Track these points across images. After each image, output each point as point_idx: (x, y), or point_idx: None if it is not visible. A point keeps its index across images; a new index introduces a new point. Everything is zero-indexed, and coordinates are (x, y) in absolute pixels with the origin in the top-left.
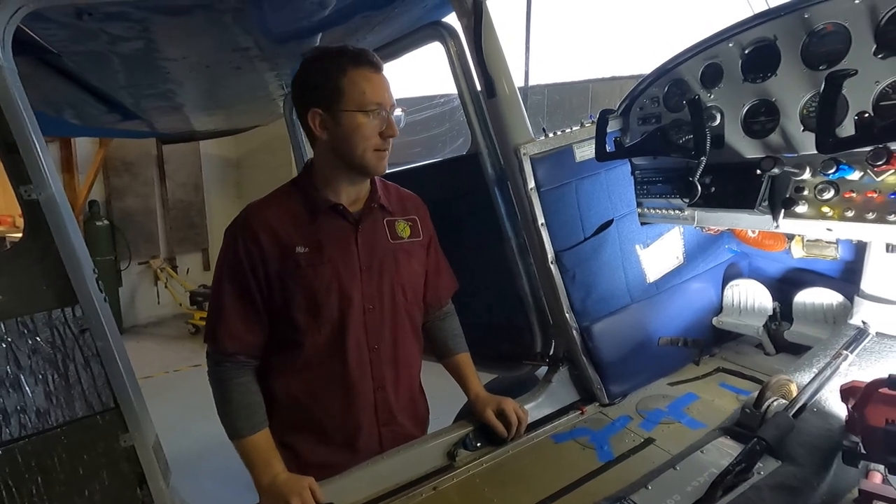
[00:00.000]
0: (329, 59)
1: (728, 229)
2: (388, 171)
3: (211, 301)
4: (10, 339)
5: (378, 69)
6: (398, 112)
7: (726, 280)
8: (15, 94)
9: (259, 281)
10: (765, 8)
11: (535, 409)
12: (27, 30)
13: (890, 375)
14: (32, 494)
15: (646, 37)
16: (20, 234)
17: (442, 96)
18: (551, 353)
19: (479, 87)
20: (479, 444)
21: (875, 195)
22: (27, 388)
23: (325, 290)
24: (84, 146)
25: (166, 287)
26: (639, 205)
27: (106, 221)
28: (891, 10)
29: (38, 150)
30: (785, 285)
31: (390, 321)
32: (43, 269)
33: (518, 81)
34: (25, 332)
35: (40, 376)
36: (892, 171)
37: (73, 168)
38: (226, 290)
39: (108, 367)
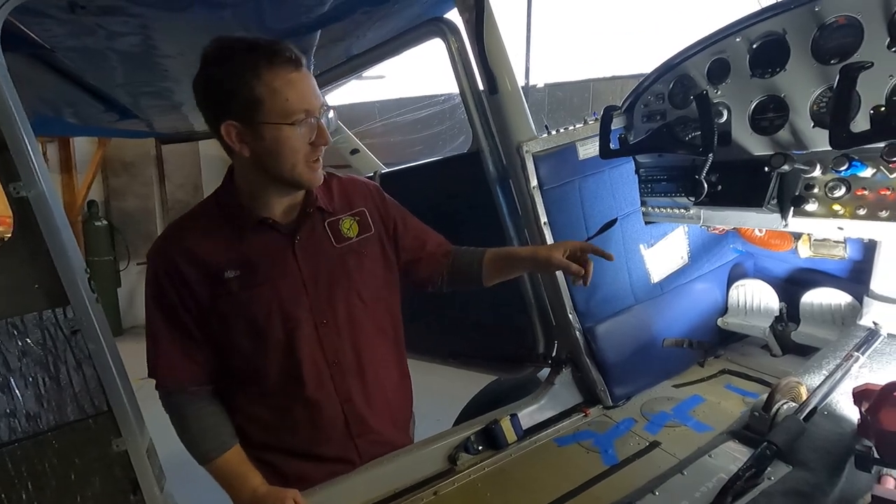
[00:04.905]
0: (239, 60)
1: (733, 229)
2: (388, 171)
3: (146, 334)
4: None
5: (298, 66)
6: (330, 114)
7: (731, 280)
8: (4, 89)
9: (189, 309)
10: (773, 2)
11: (537, 411)
12: (18, 24)
13: None
14: (22, 500)
15: (647, 36)
16: None
17: (443, 95)
18: (554, 354)
19: (480, 84)
20: (480, 448)
21: (888, 192)
22: (17, 392)
23: (265, 313)
24: (82, 146)
25: None
26: (643, 203)
27: (105, 222)
28: None
29: (28, 146)
30: (791, 285)
31: (348, 331)
32: (33, 268)
33: (519, 80)
34: (15, 333)
35: (30, 379)
36: None
37: (71, 168)
38: (157, 323)
39: (101, 370)
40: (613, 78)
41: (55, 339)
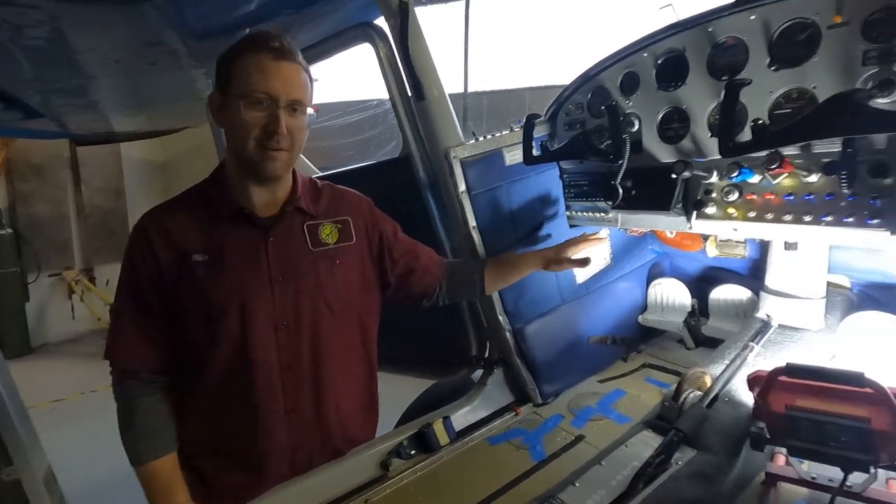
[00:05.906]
0: (237, 45)
1: (650, 231)
2: (320, 175)
3: (111, 313)
4: None
5: (280, 57)
6: (310, 111)
7: (650, 279)
8: None
9: (156, 290)
10: (675, 20)
11: (470, 412)
12: None
13: (788, 364)
14: None
15: (579, 48)
16: None
17: (375, 100)
18: (486, 355)
19: (409, 90)
20: (413, 452)
21: (772, 197)
22: None
23: (224, 303)
24: None
25: (82, 300)
26: (567, 208)
27: (9, 230)
28: (781, 26)
29: None
30: (702, 283)
31: (309, 338)
32: None
33: (458, 87)
34: None
35: None
36: (785, 174)
37: None
38: (124, 301)
39: None
40: (547, 87)
41: None
